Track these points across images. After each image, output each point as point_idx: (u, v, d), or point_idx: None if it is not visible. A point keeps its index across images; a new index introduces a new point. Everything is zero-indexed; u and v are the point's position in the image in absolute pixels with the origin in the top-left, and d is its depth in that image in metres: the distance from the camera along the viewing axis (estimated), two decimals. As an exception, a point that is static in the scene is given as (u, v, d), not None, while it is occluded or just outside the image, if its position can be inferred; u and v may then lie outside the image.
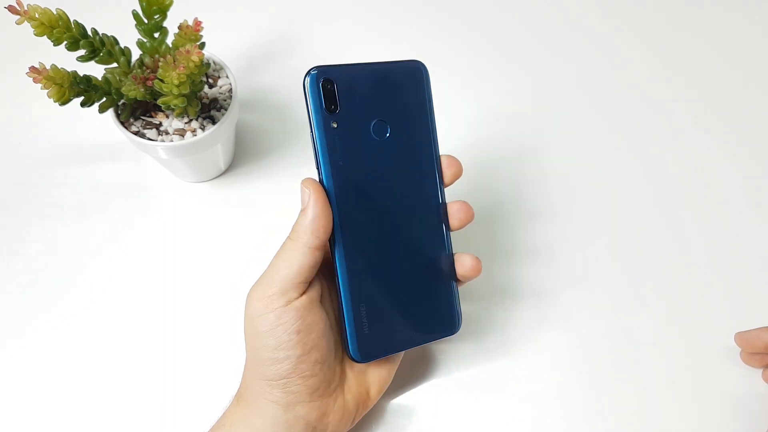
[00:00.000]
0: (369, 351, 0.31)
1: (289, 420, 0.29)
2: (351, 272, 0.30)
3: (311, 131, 0.29)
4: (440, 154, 0.33)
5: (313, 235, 0.28)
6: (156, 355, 0.38)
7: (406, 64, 0.31)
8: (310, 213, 0.28)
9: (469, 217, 0.33)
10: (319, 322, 0.29)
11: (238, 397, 0.31)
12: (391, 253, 0.31)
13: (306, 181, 0.29)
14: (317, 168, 0.30)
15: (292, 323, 0.28)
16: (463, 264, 0.32)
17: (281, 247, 0.29)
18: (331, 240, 0.30)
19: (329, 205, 0.29)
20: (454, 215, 0.32)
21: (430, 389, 0.38)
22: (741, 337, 0.37)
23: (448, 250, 0.33)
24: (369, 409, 0.33)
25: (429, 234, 0.32)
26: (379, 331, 0.31)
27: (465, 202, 0.33)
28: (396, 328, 0.31)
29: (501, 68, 0.52)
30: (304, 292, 0.29)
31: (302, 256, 0.28)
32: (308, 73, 0.29)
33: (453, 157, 0.32)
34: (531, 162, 0.47)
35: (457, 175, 0.32)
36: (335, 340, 0.31)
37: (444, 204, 0.33)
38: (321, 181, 0.30)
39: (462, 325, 0.33)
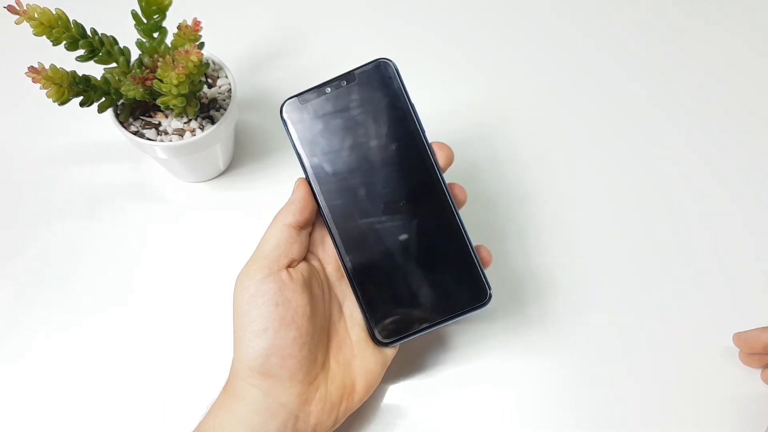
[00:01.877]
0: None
1: (270, 407, 0.29)
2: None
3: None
4: (430, 141, 0.34)
5: (288, 213, 0.32)
6: (154, 353, 0.38)
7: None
8: (290, 197, 0.32)
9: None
10: (300, 300, 0.31)
11: (225, 386, 0.31)
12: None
13: (297, 179, 0.34)
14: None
15: (270, 295, 0.30)
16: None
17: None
18: (330, 226, 0.33)
19: (309, 193, 0.33)
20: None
21: (426, 388, 0.38)
22: (739, 338, 0.37)
23: (459, 219, 0.33)
24: (357, 406, 0.33)
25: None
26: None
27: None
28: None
29: (497, 60, 0.52)
30: (286, 268, 0.31)
31: (278, 232, 0.31)
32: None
33: (442, 143, 0.34)
34: (526, 165, 0.47)
35: (450, 158, 0.34)
36: (322, 327, 0.32)
37: (443, 182, 0.33)
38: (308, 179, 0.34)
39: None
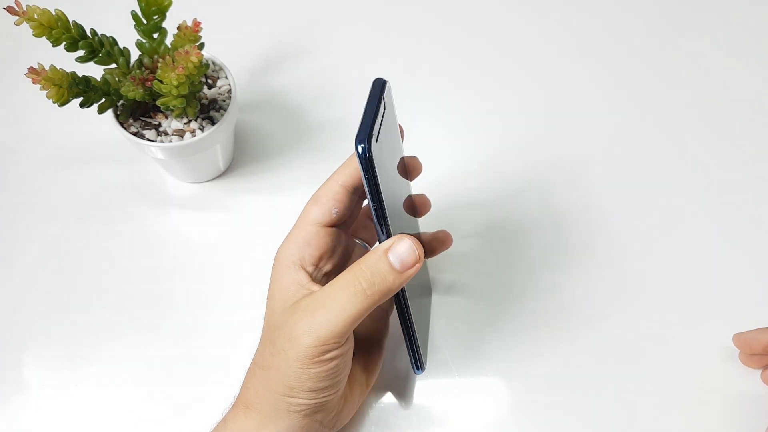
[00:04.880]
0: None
1: (306, 425, 0.29)
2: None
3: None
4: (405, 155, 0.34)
5: (392, 295, 0.27)
6: (153, 354, 0.38)
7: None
8: (405, 281, 0.27)
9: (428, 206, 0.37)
10: (352, 342, 0.30)
11: (245, 409, 0.29)
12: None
13: (418, 244, 0.27)
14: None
15: (344, 356, 0.28)
16: (437, 238, 0.36)
17: (349, 289, 0.27)
18: None
19: None
20: (421, 210, 0.37)
21: (422, 390, 0.38)
22: (739, 339, 0.37)
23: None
24: (366, 395, 0.35)
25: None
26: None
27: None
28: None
29: (510, 73, 0.52)
30: None
31: (370, 310, 0.27)
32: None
33: (416, 158, 0.34)
34: (528, 168, 0.47)
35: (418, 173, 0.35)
36: None
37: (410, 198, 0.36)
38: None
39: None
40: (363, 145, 0.25)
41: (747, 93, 0.52)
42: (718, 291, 0.42)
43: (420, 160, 0.34)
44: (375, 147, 0.26)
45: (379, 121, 0.27)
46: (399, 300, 0.30)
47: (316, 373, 0.27)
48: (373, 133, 0.26)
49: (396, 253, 0.26)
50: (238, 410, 0.30)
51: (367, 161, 0.26)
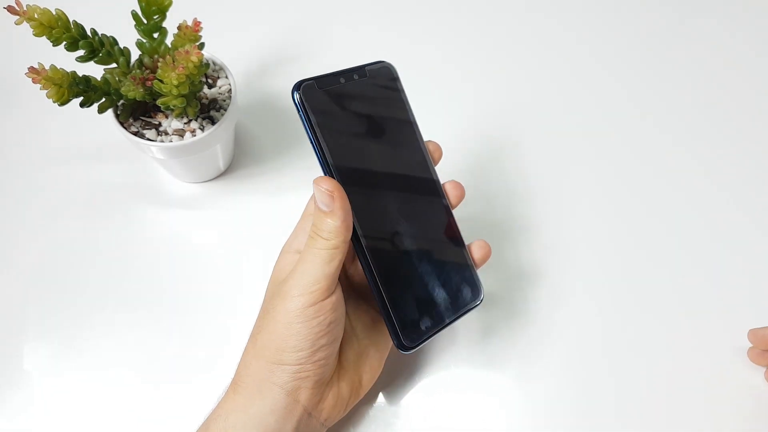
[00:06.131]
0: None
1: (288, 405, 0.29)
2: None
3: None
4: (425, 139, 0.34)
5: (347, 233, 0.29)
6: (152, 353, 0.38)
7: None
8: (341, 214, 0.29)
9: (462, 194, 0.34)
10: (343, 314, 0.31)
11: (234, 386, 0.31)
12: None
13: (324, 180, 0.29)
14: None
15: (327, 316, 0.29)
16: (474, 251, 0.34)
17: (312, 245, 0.30)
18: (353, 238, 0.30)
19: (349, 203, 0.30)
20: (450, 193, 0.34)
21: (422, 388, 0.37)
22: (755, 334, 0.37)
23: (455, 222, 0.34)
24: (360, 398, 0.34)
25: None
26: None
27: (457, 181, 0.34)
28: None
29: (500, 65, 0.52)
30: (336, 286, 0.30)
31: (341, 254, 0.29)
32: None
33: (435, 143, 0.34)
34: (532, 163, 0.47)
35: (440, 157, 0.35)
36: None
37: (440, 184, 0.34)
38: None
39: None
40: (297, 92, 0.30)
41: (752, 91, 0.51)
42: (728, 289, 0.41)
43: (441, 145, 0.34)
44: (317, 94, 0.30)
45: (342, 80, 0.31)
46: (363, 262, 0.31)
47: (298, 329, 0.29)
48: (321, 83, 0.30)
49: (317, 199, 0.29)
50: (229, 390, 0.31)
51: (297, 103, 0.30)
